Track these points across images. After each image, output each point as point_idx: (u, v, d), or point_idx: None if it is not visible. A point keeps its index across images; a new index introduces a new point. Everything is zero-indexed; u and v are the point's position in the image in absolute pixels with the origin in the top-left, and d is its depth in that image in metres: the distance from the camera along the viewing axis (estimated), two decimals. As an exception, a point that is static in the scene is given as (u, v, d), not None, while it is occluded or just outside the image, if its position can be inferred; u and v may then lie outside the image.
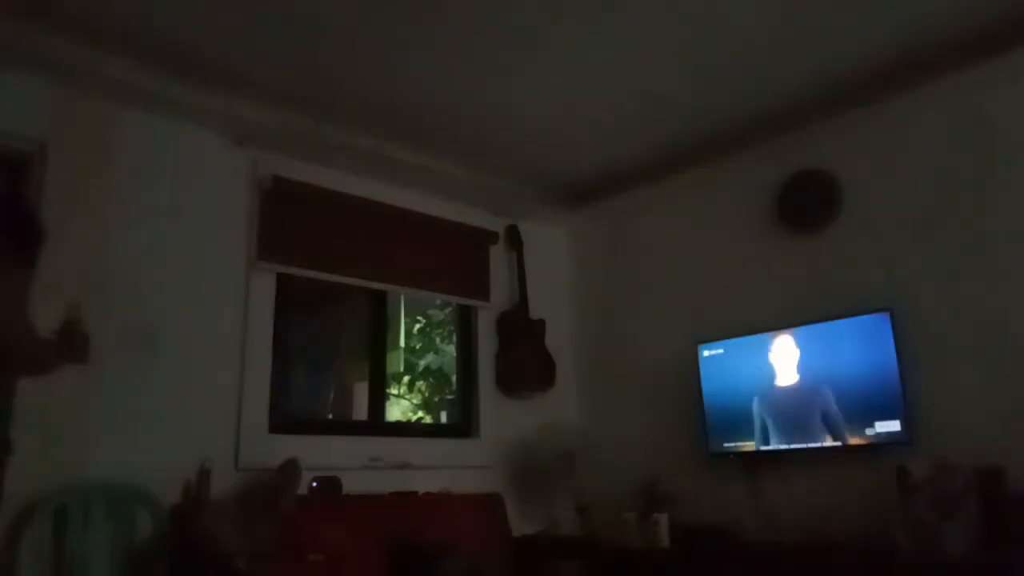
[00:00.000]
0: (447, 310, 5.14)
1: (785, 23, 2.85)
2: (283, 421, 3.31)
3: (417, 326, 5.89)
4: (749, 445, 3.44)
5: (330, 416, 4.39)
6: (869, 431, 3.08)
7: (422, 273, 3.89)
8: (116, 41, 2.83)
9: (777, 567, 2.96)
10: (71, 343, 2.05)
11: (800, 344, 3.35)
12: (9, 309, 1.83)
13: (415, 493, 3.41)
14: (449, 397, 4.74)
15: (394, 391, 5.38)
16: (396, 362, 5.38)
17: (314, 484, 3.16)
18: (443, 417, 5.39)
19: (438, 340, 5.77)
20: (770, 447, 3.38)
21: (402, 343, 5.49)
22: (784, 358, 3.39)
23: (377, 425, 3.75)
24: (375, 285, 3.77)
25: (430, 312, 5.80)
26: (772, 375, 3.42)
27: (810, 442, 3.25)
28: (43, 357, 1.98)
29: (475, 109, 3.44)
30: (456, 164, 3.95)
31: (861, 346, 3.14)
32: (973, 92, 3.06)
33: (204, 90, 3.12)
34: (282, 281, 3.41)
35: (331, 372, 4.40)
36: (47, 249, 2.76)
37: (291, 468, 2.95)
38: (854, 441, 3.12)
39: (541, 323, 4.21)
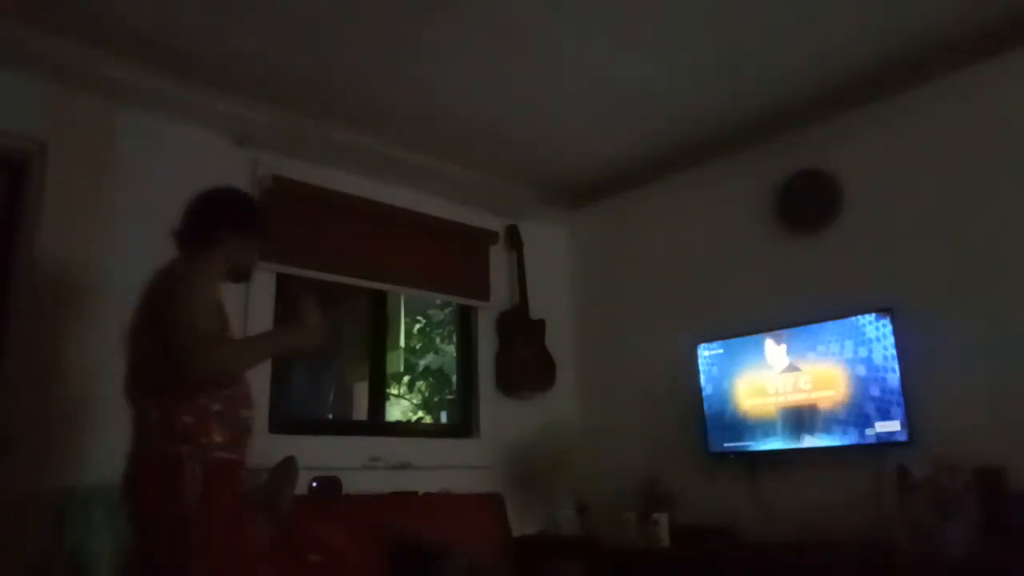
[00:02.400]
0: (447, 310, 5.15)
1: (785, 23, 2.85)
2: (283, 421, 3.31)
3: (417, 326, 5.89)
4: (749, 445, 3.44)
5: (330, 416, 4.40)
6: (869, 431, 3.08)
7: (422, 273, 3.89)
8: (116, 41, 2.83)
9: (777, 567, 2.96)
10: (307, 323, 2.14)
11: (800, 344, 3.35)
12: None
13: (415, 493, 3.41)
14: (449, 397, 4.75)
15: (394, 391, 5.38)
16: (396, 362, 5.38)
17: (314, 484, 3.16)
18: (443, 417, 5.40)
19: (438, 340, 5.77)
20: (770, 447, 3.38)
21: (402, 343, 5.49)
22: (784, 358, 3.39)
23: (377, 425, 3.75)
24: (375, 285, 3.77)
25: (430, 312, 5.80)
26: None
27: (810, 442, 3.25)
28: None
29: (475, 109, 3.44)
30: (456, 164, 3.95)
31: (861, 346, 3.14)
32: (973, 92, 3.06)
33: (204, 90, 3.12)
34: (282, 281, 3.41)
35: (331, 372, 4.40)
36: (47, 250, 2.78)
37: (288, 467, 2.95)
38: (854, 441, 3.12)
39: (541, 323, 4.21)
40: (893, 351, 3.04)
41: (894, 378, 3.03)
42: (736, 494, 3.47)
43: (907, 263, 3.16)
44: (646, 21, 2.82)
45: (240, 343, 2.18)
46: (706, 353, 3.66)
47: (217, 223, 2.12)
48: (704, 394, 3.62)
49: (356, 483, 3.29)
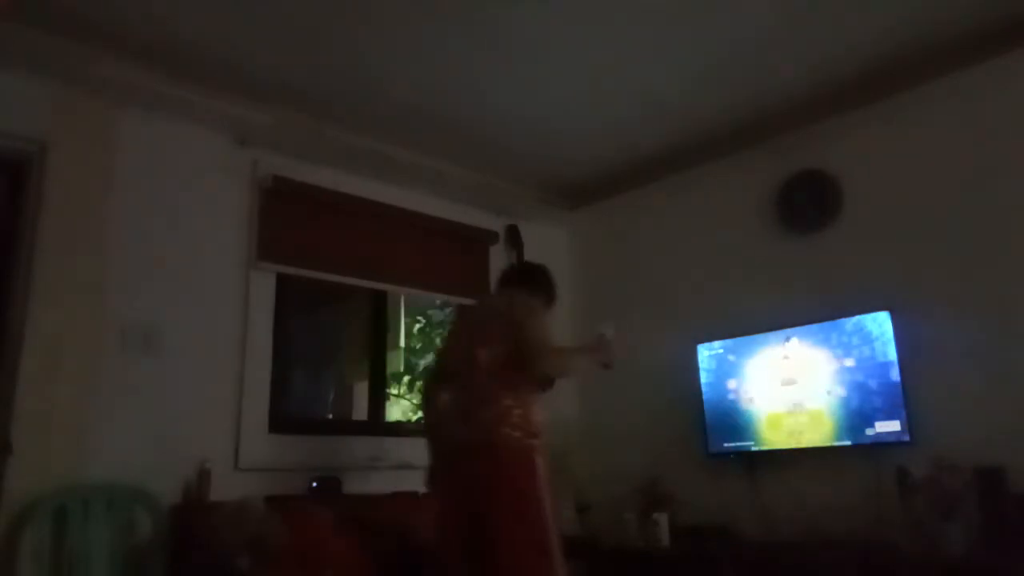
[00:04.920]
0: (447, 310, 5.14)
1: (785, 23, 2.85)
2: (283, 421, 3.31)
3: (417, 326, 5.89)
4: (749, 445, 3.44)
5: (330, 416, 4.40)
6: (869, 431, 3.08)
7: (422, 273, 3.89)
8: (116, 41, 2.83)
9: (777, 567, 2.96)
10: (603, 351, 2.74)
11: (800, 343, 3.35)
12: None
13: (415, 493, 3.40)
14: (449, 397, 4.75)
15: (394, 391, 5.39)
16: (396, 362, 5.38)
17: (314, 484, 3.16)
18: (443, 417, 5.38)
19: (438, 340, 5.77)
20: (770, 447, 3.38)
21: (402, 343, 5.49)
22: (784, 358, 3.39)
23: (377, 425, 3.75)
24: (375, 285, 3.77)
25: (430, 312, 5.80)
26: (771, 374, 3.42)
27: (810, 442, 3.25)
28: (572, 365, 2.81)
29: (475, 109, 3.44)
30: (456, 164, 3.95)
31: (861, 346, 3.14)
32: (973, 92, 3.06)
33: (204, 90, 3.11)
34: (282, 281, 3.41)
35: (331, 372, 4.40)
36: (47, 250, 2.79)
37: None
38: (854, 441, 3.12)
39: (541, 323, 4.20)
40: (893, 351, 3.04)
41: (894, 378, 3.03)
42: (736, 494, 3.47)
43: (907, 263, 3.16)
44: (646, 22, 2.82)
45: (571, 353, 2.83)
46: (706, 353, 3.66)
47: (540, 283, 2.81)
48: (704, 394, 3.62)
49: (356, 483, 3.29)
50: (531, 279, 2.84)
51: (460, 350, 2.63)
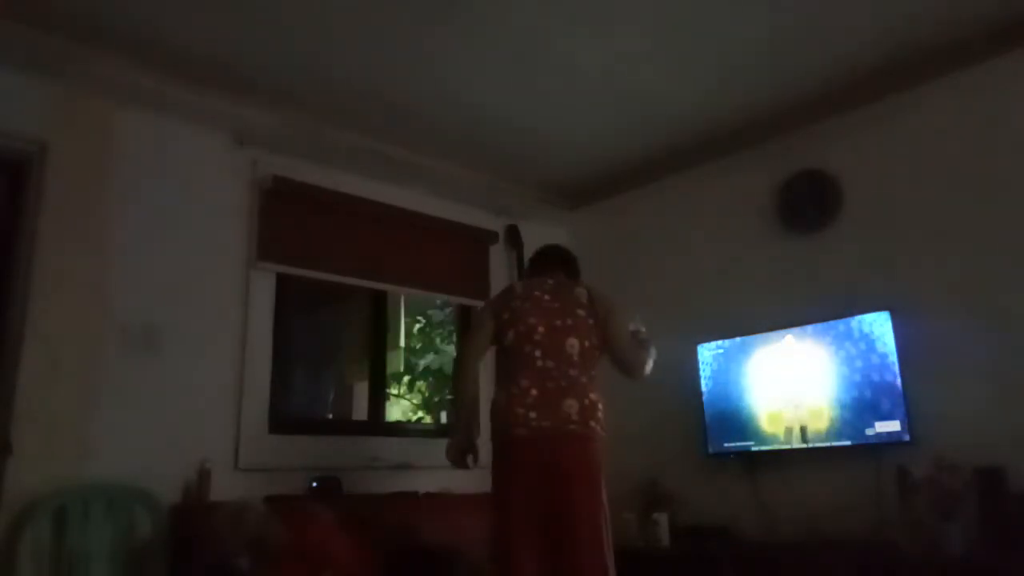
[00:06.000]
0: (447, 310, 5.15)
1: (785, 23, 2.85)
2: (283, 421, 3.31)
3: (417, 326, 5.90)
4: (749, 445, 3.44)
5: (330, 416, 4.40)
6: (869, 431, 3.08)
7: (422, 273, 3.89)
8: (116, 41, 2.83)
9: (777, 567, 2.96)
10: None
11: (800, 344, 3.35)
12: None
13: (415, 493, 3.41)
14: (449, 397, 4.75)
15: (394, 391, 5.39)
16: (396, 362, 5.39)
17: (314, 484, 3.16)
18: (443, 417, 5.40)
19: (438, 340, 5.79)
20: (770, 447, 3.38)
21: (402, 343, 5.50)
22: (784, 358, 3.39)
23: (377, 425, 3.75)
24: (375, 285, 3.77)
25: (430, 312, 5.81)
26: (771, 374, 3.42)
27: (810, 442, 3.25)
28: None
29: (475, 109, 3.44)
30: (456, 164, 3.95)
31: (861, 346, 3.14)
32: (974, 91, 3.06)
33: (204, 90, 3.12)
34: (282, 281, 3.41)
35: (331, 372, 4.40)
36: (47, 250, 2.78)
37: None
38: (854, 441, 3.12)
39: (541, 323, 4.19)
40: (893, 351, 3.04)
41: (894, 378, 3.03)
42: (736, 494, 3.47)
43: (907, 263, 3.16)
44: (647, 23, 2.82)
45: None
46: (706, 353, 3.66)
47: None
48: (704, 394, 3.62)
49: (356, 483, 3.29)
50: (577, 271, 2.90)
51: (537, 332, 2.54)
